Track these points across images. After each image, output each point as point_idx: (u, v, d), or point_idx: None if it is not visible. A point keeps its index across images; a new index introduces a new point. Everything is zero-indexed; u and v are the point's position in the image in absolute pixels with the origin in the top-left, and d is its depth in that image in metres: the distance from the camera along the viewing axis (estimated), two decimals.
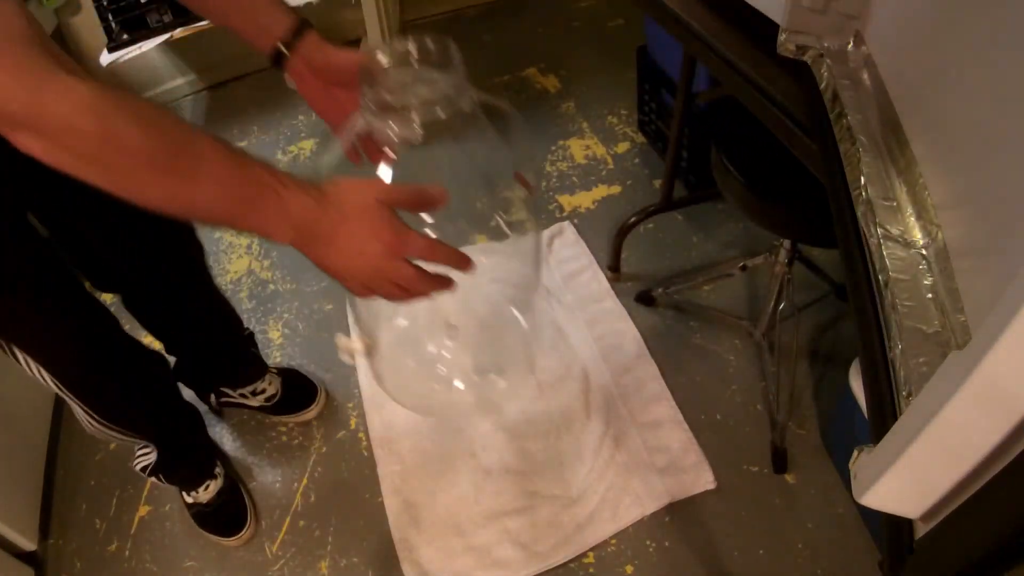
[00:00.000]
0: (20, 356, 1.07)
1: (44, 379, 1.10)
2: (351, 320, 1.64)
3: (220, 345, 1.37)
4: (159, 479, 1.31)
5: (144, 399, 1.21)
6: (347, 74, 0.79)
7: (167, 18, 1.98)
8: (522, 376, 1.35)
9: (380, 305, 0.96)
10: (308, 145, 2.12)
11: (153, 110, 0.57)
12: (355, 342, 1.14)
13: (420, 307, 1.16)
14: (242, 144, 2.18)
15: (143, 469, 1.29)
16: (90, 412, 1.17)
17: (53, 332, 1.02)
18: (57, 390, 1.12)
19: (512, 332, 1.31)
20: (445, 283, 0.68)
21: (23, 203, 0.94)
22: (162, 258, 1.15)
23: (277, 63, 0.80)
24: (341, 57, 0.79)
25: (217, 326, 1.34)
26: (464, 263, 0.67)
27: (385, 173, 0.78)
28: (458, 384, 1.28)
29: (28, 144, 0.55)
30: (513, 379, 1.29)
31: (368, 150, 0.79)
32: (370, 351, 1.20)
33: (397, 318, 1.27)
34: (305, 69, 0.81)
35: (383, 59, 0.74)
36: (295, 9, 0.80)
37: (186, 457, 1.29)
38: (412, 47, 0.74)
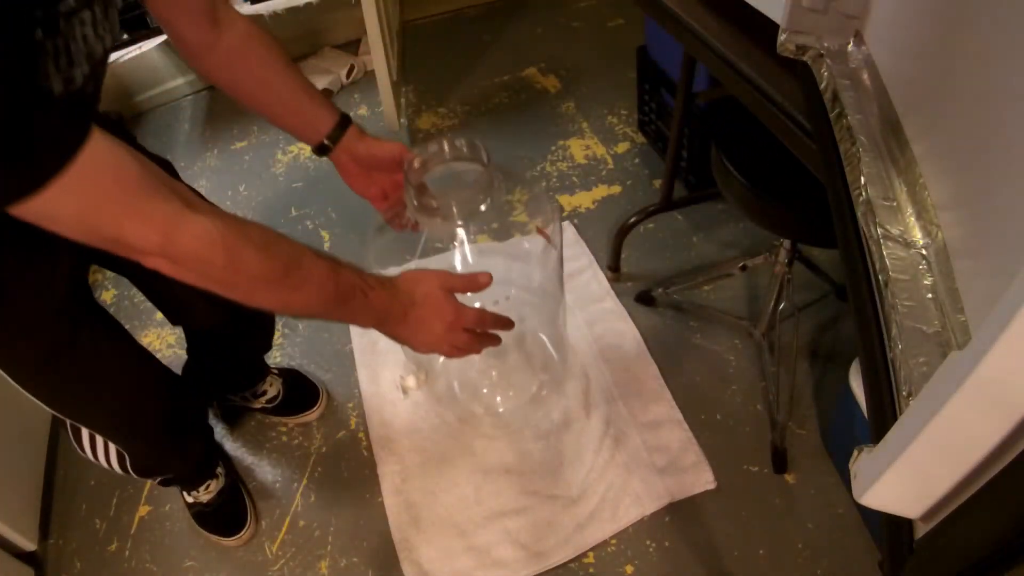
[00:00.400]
0: (86, 436, 1.10)
1: (110, 461, 1.13)
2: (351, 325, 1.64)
3: (249, 360, 1.38)
4: (166, 485, 1.31)
5: (196, 447, 1.26)
6: (383, 161, 0.93)
7: None
8: (553, 400, 1.39)
9: None
10: (308, 146, 2.12)
11: (267, 234, 0.67)
12: (411, 380, 1.36)
13: None
14: (242, 144, 2.19)
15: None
16: (157, 479, 1.24)
17: (134, 411, 1.03)
18: (120, 470, 1.15)
19: (544, 360, 1.44)
20: (493, 340, 0.87)
21: (89, 259, 0.94)
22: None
23: (321, 152, 0.94)
24: (378, 148, 0.93)
25: (261, 348, 1.37)
26: (508, 324, 0.86)
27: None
28: (498, 404, 1.37)
29: (158, 266, 0.62)
30: (545, 402, 1.40)
31: (412, 227, 0.99)
32: (422, 385, 1.35)
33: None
34: (347, 158, 0.94)
35: (416, 162, 0.90)
36: (336, 106, 0.92)
37: (193, 463, 1.29)
38: (445, 146, 0.91)
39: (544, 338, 1.43)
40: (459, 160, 0.92)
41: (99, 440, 1.10)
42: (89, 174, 0.55)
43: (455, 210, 0.89)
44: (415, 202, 0.90)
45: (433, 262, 1.00)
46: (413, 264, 1.04)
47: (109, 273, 1.65)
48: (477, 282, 0.82)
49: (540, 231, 1.11)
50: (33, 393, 0.91)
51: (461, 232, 1.02)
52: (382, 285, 0.77)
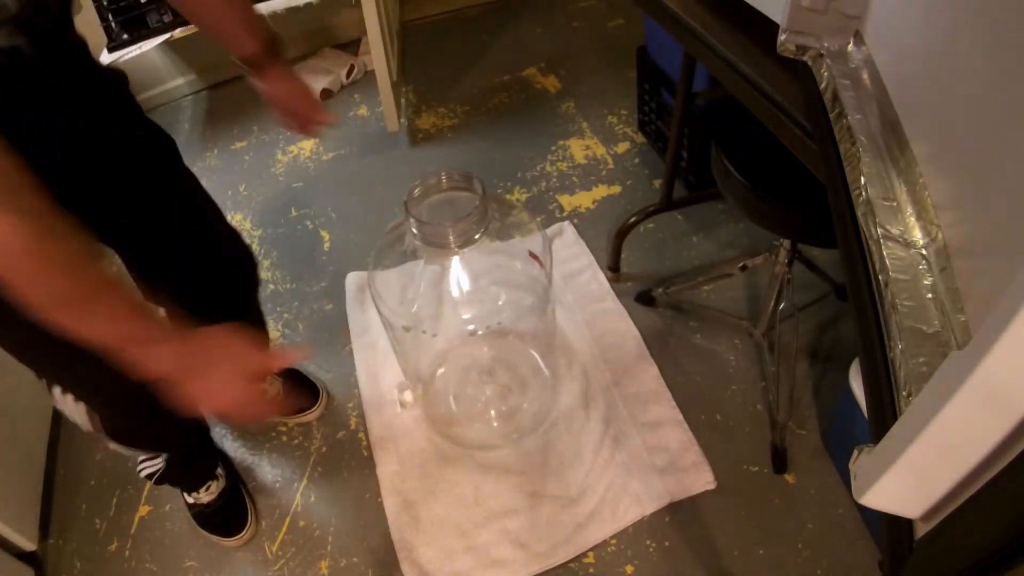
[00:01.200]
0: (60, 397, 1.05)
1: (90, 423, 1.09)
2: (351, 326, 1.64)
3: None
4: (164, 485, 1.31)
5: (177, 426, 1.21)
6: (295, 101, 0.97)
7: (167, 18, 1.98)
8: (543, 416, 1.40)
9: (424, 356, 1.40)
10: (308, 145, 2.12)
11: (72, 252, 0.63)
12: (407, 394, 1.43)
13: (459, 356, 1.47)
14: (242, 144, 2.19)
15: (149, 476, 1.29)
16: (130, 448, 1.19)
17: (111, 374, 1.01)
18: (96, 431, 1.10)
19: (536, 377, 1.45)
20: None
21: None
22: (220, 285, 1.13)
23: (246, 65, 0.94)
24: (295, 88, 0.96)
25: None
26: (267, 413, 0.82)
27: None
28: (492, 418, 1.38)
29: None
30: (536, 417, 1.41)
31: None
32: (418, 399, 1.44)
33: (440, 367, 1.47)
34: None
35: (417, 191, 0.98)
36: (268, 31, 0.92)
37: (192, 463, 1.29)
38: (443, 177, 1.00)
39: (536, 355, 1.45)
40: (456, 189, 1.00)
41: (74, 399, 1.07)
42: None
43: (452, 239, 0.95)
44: (415, 231, 0.95)
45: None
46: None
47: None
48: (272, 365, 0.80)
49: (533, 255, 1.15)
50: (18, 358, 0.90)
51: (456, 259, 1.08)
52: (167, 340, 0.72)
